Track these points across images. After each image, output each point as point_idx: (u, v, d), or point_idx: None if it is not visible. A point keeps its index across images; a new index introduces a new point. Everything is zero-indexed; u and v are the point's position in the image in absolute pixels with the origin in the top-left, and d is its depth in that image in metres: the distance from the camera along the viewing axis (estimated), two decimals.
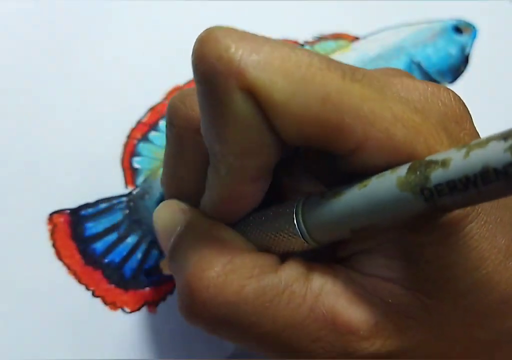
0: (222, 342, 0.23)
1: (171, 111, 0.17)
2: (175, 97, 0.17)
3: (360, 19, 0.29)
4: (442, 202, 0.12)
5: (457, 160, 0.12)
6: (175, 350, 0.22)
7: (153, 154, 0.24)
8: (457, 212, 0.14)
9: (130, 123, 0.24)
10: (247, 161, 0.14)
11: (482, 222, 0.14)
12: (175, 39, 0.25)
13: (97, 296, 0.22)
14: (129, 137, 0.24)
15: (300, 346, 0.14)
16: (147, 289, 0.23)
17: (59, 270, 0.22)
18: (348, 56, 0.27)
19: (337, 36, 0.28)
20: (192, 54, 0.13)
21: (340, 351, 0.14)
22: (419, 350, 0.15)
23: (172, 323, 0.23)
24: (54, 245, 0.22)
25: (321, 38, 0.28)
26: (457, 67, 0.28)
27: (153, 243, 0.23)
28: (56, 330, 0.22)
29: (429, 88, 0.15)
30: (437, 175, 0.12)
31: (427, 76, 0.28)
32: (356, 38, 0.28)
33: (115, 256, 0.23)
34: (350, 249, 0.16)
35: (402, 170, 0.13)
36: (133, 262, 0.23)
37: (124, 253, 0.23)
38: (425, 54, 0.28)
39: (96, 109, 0.24)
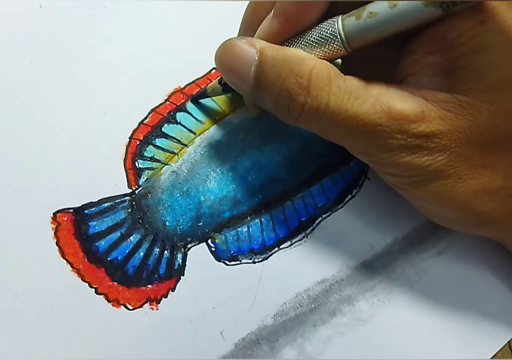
0: (222, 338, 0.23)
1: None
2: None
3: None
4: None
5: None
6: (176, 347, 0.23)
7: (155, 155, 0.25)
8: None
9: (133, 124, 0.25)
10: None
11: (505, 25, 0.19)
12: (177, 42, 0.26)
13: (100, 293, 0.23)
14: (131, 138, 0.25)
15: (366, 129, 0.19)
16: (150, 286, 0.23)
17: (63, 268, 0.23)
18: None
19: None
20: None
21: (396, 132, 0.19)
22: (454, 134, 0.20)
23: (174, 320, 0.23)
24: (58, 244, 0.23)
25: None
26: None
27: (155, 241, 0.24)
28: (60, 327, 0.22)
29: None
30: None
31: None
32: None
33: (118, 254, 0.23)
34: (403, 72, 0.21)
35: None
36: (135, 260, 0.23)
37: (127, 251, 0.23)
38: None
39: (99, 110, 0.25)
